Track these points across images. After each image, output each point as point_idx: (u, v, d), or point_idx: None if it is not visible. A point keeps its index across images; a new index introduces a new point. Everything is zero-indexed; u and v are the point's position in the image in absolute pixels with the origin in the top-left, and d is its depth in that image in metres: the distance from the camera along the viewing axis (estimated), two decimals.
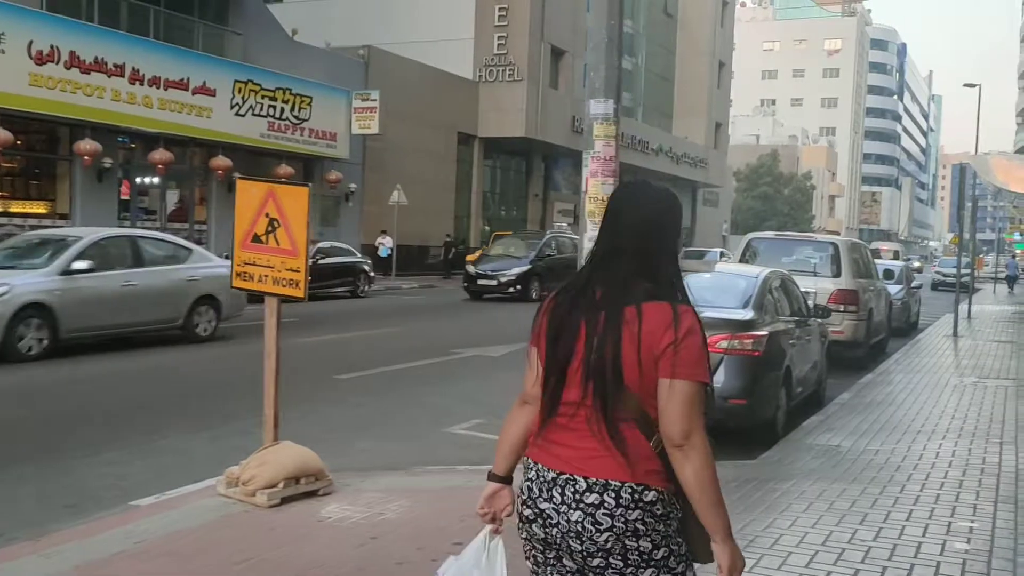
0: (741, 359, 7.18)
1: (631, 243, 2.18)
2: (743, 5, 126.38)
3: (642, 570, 2.07)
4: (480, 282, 23.32)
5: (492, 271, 23.48)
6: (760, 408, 7.38)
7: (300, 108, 24.94)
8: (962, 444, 7.28)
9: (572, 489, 2.08)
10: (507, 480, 2.32)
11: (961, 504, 5.50)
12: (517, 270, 23.27)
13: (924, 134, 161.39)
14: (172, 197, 23.64)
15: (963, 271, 32.01)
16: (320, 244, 21.68)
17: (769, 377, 7.48)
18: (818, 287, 12.65)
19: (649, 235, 2.19)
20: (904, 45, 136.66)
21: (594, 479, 2.06)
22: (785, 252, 13.52)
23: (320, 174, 26.83)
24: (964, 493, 5.78)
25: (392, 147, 30.34)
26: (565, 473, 2.10)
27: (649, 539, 2.06)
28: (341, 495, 5.35)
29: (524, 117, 34.92)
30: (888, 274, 16.14)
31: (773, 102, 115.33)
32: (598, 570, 2.08)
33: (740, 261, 13.54)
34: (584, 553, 2.08)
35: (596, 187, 5.90)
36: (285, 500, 5.12)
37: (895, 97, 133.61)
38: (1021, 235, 55.02)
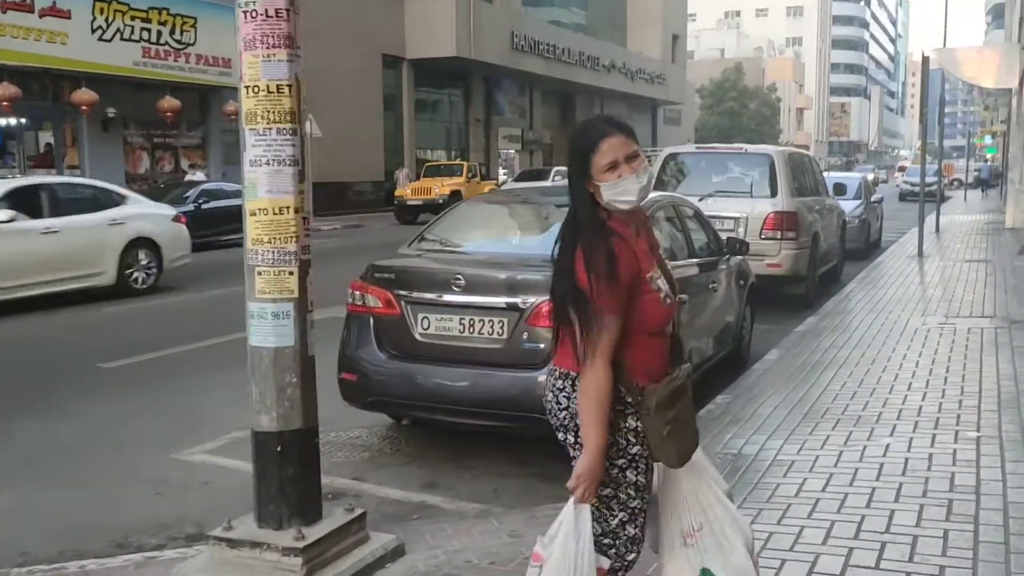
0: None
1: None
2: None
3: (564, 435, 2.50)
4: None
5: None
6: None
7: (182, 30, 21.95)
8: (920, 444, 4.98)
9: (553, 376, 2.53)
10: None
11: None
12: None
13: (892, 41, 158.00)
14: (42, 140, 20.79)
15: (931, 179, 29.90)
16: (204, 185, 19.02)
17: None
18: (752, 211, 10.27)
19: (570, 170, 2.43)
20: None
21: (555, 367, 2.52)
22: (714, 170, 11.06)
23: (219, 107, 23.95)
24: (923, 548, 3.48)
25: (306, 72, 27.28)
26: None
27: None
28: None
29: (455, 35, 31.89)
30: (840, 189, 13.70)
31: (738, 14, 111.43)
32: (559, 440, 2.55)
33: (656, 185, 11.10)
34: (553, 426, 2.53)
35: (255, 67, 3.42)
36: None
37: (862, 3, 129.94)
38: (992, 138, 52.81)
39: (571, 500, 2.34)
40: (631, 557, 2.51)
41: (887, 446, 4.90)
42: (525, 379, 4.73)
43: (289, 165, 3.41)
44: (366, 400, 5.19)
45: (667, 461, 2.40)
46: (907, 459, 4.67)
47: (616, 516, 2.44)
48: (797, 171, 11.26)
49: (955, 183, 44.41)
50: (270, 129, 3.40)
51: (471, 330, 4.89)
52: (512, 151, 41.19)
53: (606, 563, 2.46)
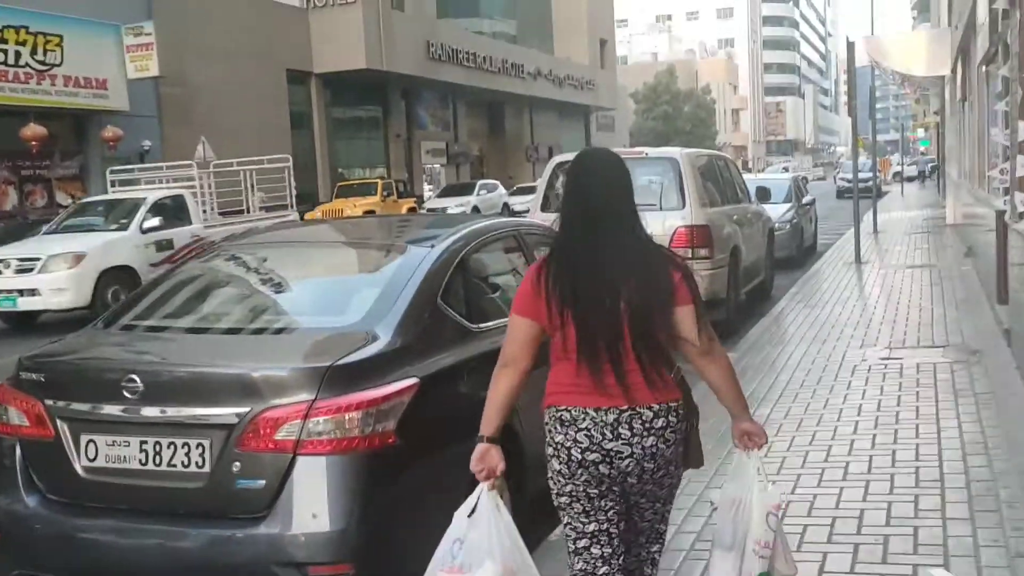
0: (345, 465, 3.02)
1: (620, 204, 2.52)
2: None
3: (672, 466, 2.56)
4: None
5: None
6: None
7: (45, 50, 19.78)
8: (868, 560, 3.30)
9: (639, 421, 2.45)
10: (497, 440, 2.55)
11: None
12: None
13: (823, 39, 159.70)
14: None
15: (866, 175, 28.79)
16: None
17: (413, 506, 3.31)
18: (656, 226, 8.58)
19: (629, 196, 2.55)
20: None
21: (657, 406, 2.47)
22: None
23: (97, 133, 21.78)
24: None
25: (199, 92, 25.27)
26: (628, 409, 2.45)
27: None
28: None
29: (364, 45, 30.01)
30: (763, 194, 12.06)
31: (669, 17, 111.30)
32: (655, 478, 2.54)
33: (543, 201, 9.41)
34: (654, 469, 2.51)
35: None
36: None
37: (791, 3, 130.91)
38: (925, 131, 52.44)
39: (481, 488, 2.56)
40: None
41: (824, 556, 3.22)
42: (235, 539, 2.97)
43: None
44: (9, 574, 3.35)
45: (696, 462, 2.68)
46: None
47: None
48: (709, 176, 9.67)
49: (895, 177, 43.65)
50: None
51: (157, 460, 3.10)
52: (437, 165, 39.40)
53: None
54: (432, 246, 3.90)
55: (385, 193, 26.88)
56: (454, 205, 29.51)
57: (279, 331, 3.59)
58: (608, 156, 2.63)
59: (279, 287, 3.99)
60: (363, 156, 34.89)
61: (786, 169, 37.98)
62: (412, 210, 28.13)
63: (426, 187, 37.78)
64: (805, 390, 6.16)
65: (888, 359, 6.85)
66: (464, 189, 31.47)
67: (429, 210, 29.68)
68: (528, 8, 47.79)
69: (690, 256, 8.58)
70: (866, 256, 13.89)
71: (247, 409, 2.99)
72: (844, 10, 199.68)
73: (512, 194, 31.60)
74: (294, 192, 18.31)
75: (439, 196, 32.66)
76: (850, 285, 11.26)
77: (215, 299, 3.96)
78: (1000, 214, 7.26)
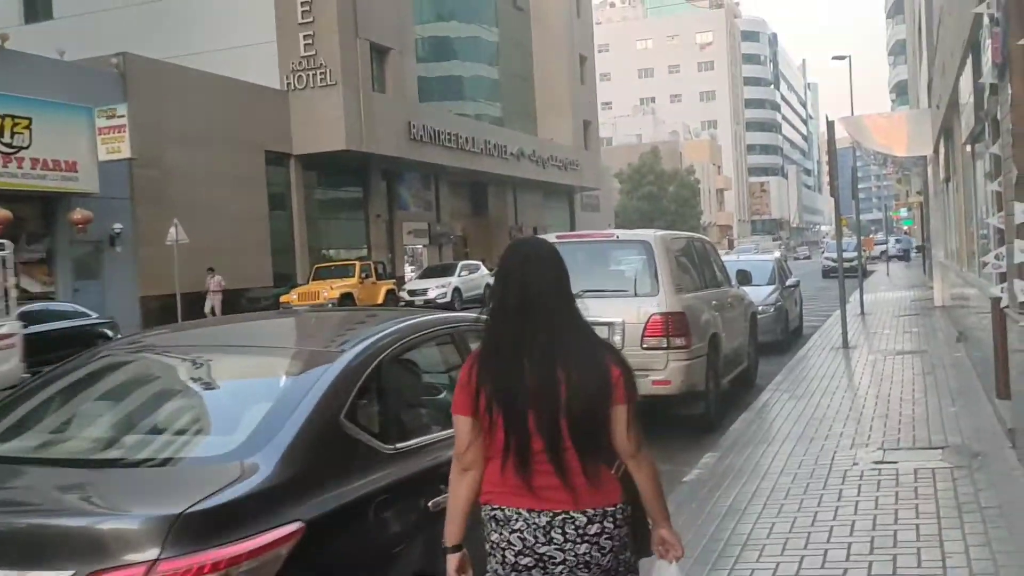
0: None
1: (554, 294, 2.42)
2: (612, 5, 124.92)
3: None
4: None
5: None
6: None
7: (14, 132, 19.41)
8: None
9: (572, 526, 2.33)
10: (462, 545, 2.46)
11: None
12: None
13: (804, 122, 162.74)
14: None
15: (848, 255, 28.49)
16: (24, 307, 16.23)
17: None
18: (629, 314, 8.03)
19: (565, 286, 2.46)
20: (775, 35, 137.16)
21: (592, 511, 2.34)
22: (581, 263, 8.78)
23: (65, 216, 21.30)
24: None
25: (174, 174, 24.93)
26: (561, 513, 2.33)
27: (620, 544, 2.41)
28: None
29: (344, 127, 29.88)
30: (744, 277, 11.47)
31: (652, 100, 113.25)
32: None
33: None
34: None
35: None
36: None
37: (772, 87, 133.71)
38: (908, 210, 52.68)
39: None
40: None
41: None
42: None
43: None
44: None
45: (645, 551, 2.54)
46: None
47: None
48: (685, 259, 9.14)
49: (882, 255, 43.53)
50: None
51: None
52: (419, 246, 39.04)
53: None
54: (342, 351, 3.29)
55: (363, 275, 26.37)
56: (435, 286, 29.01)
57: (137, 463, 2.92)
58: (541, 245, 2.54)
59: (152, 404, 3.33)
60: (344, 237, 34.50)
61: (756, 248, 37.67)
62: (391, 291, 27.60)
63: (407, 268, 37.35)
64: (791, 501, 5.49)
65: (882, 463, 6.19)
66: (445, 270, 31.00)
67: (409, 292, 29.18)
68: (512, 91, 48.22)
69: (665, 346, 8.03)
70: (854, 340, 13.33)
71: (70, 574, 2.33)
72: (824, 93, 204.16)
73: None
74: (13, 293, 14.11)
75: (420, 277, 32.17)
76: (838, 373, 10.65)
77: (71, 418, 3.31)
78: (996, 301, 6.72)
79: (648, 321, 7.98)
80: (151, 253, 23.56)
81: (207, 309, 23.76)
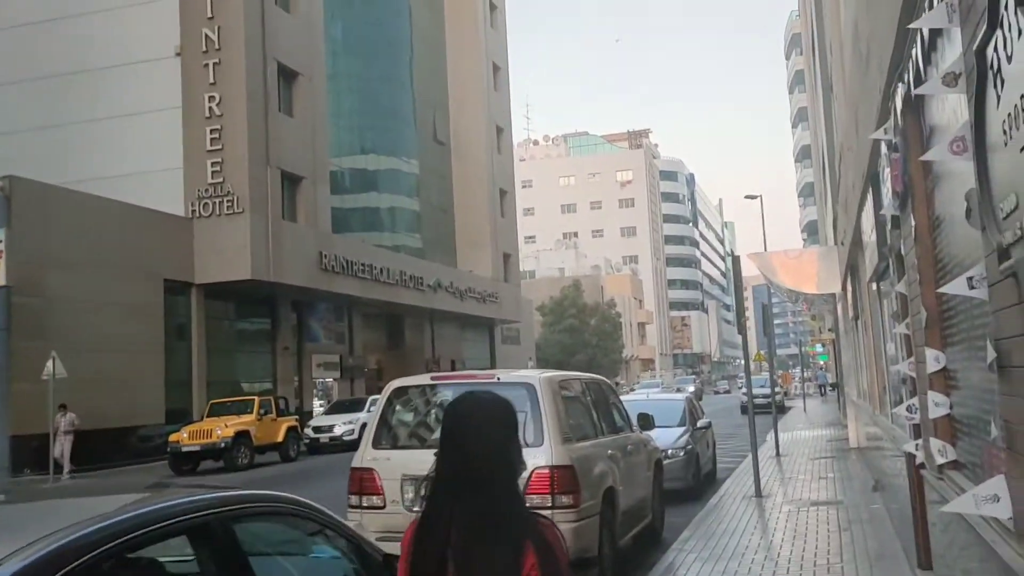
0: None
1: (487, 463, 2.19)
2: (536, 143, 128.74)
3: None
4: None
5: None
6: None
7: None
8: None
9: None
10: None
11: None
12: None
13: (723, 258, 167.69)
14: None
15: (763, 391, 28.08)
16: None
17: None
18: None
19: (506, 451, 2.21)
20: (692, 175, 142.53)
21: None
22: None
23: None
24: None
25: (58, 303, 23.40)
26: None
27: None
28: None
29: (250, 256, 28.85)
30: (645, 422, 10.45)
31: (575, 234, 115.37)
32: None
33: (376, 435, 7.73)
34: None
35: None
36: None
37: (690, 224, 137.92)
38: (823, 346, 53.37)
39: None
40: None
41: None
42: None
43: None
44: None
45: None
46: None
47: None
48: (577, 403, 8.25)
49: (798, 390, 43.58)
50: None
51: None
52: (330, 379, 37.54)
53: None
54: None
55: (262, 411, 24.79)
56: (341, 422, 27.60)
57: None
58: (486, 404, 2.29)
59: None
60: (248, 370, 32.91)
61: (662, 385, 37.38)
62: (292, 428, 26.01)
63: (316, 402, 35.74)
64: None
65: None
66: (354, 405, 29.55)
67: (314, 428, 27.66)
68: (432, 223, 48.07)
69: (550, 505, 7.01)
70: (767, 487, 12.51)
71: None
72: (741, 231, 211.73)
73: None
74: None
75: (327, 413, 30.68)
76: (750, 528, 9.71)
77: None
78: (911, 458, 5.96)
79: (531, 476, 6.98)
80: (26, 389, 21.74)
81: (56, 453, 21.09)
